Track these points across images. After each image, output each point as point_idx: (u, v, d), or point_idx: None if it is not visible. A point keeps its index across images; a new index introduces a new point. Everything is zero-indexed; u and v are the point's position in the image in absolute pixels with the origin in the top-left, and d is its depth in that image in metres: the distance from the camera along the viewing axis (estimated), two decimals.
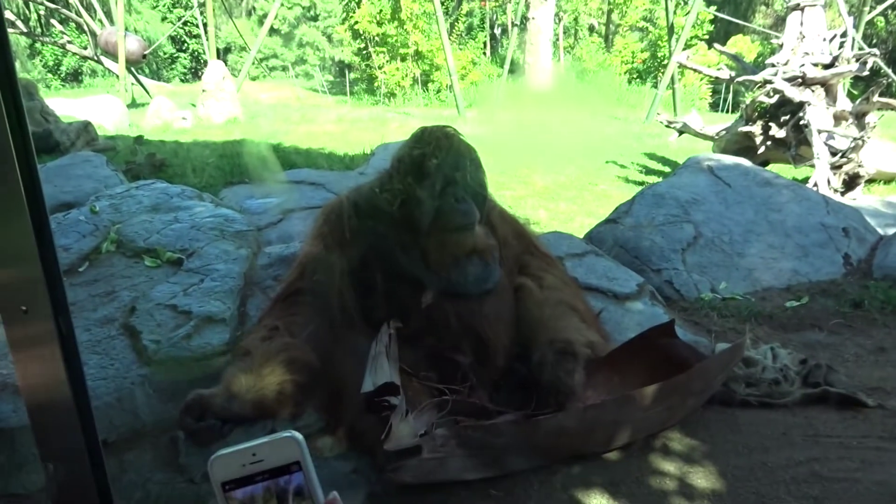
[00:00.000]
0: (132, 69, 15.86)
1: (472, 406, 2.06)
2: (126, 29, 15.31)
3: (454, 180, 2.15)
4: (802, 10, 7.26)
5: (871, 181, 6.88)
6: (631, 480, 1.95)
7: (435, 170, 2.13)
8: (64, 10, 17.33)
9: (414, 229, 2.17)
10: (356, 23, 20.29)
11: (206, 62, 14.80)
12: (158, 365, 2.27)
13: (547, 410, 2.02)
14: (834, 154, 6.39)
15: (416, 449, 1.81)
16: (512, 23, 18.53)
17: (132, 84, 15.84)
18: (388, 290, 2.21)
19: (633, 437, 2.09)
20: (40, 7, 19.32)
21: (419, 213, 2.14)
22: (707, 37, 19.99)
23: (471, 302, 2.22)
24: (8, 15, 16.71)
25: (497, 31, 25.97)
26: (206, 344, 2.36)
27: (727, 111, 17.77)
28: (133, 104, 14.29)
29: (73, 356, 1.21)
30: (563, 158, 8.15)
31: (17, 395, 1.98)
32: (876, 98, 6.58)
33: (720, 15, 18.15)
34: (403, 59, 19.70)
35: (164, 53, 32.46)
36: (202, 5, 16.22)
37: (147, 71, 24.31)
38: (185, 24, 29.11)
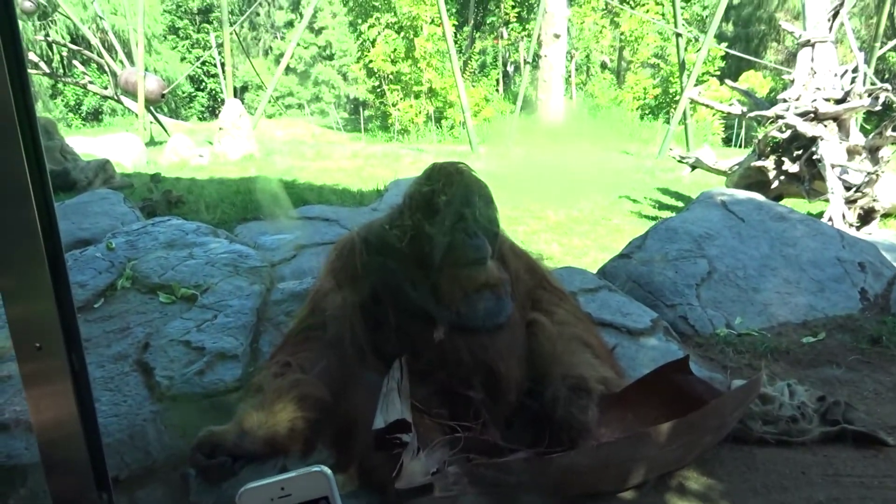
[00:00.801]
0: (151, 108, 16.20)
1: (484, 443, 2.04)
2: (146, 69, 15.68)
3: (464, 216, 2.16)
4: (813, 45, 7.31)
5: (886, 215, 6.83)
6: None
7: (445, 206, 2.14)
8: (86, 52, 17.77)
9: (424, 265, 2.17)
10: (371, 61, 20.64)
11: (223, 101, 15.07)
12: (171, 401, 2.27)
13: (560, 448, 1.99)
14: (848, 188, 6.37)
15: (427, 487, 1.79)
16: (524, 60, 18.76)
17: (151, 122, 16.15)
18: (400, 325, 2.20)
19: (647, 476, 2.06)
20: (63, 49, 19.84)
21: (429, 249, 2.15)
22: (718, 73, 20.14)
23: (482, 337, 2.21)
24: (32, 57, 17.17)
25: (510, 69, 26.28)
26: (218, 380, 2.37)
27: (740, 146, 17.80)
28: (151, 142, 14.55)
29: (85, 393, 1.22)
30: (576, 193, 8.17)
31: (30, 432, 1.99)
32: (889, 132, 6.57)
33: (731, 51, 18.27)
34: (417, 97, 19.97)
35: (183, 92, 33.14)
36: (220, 46, 16.56)
37: (166, 109, 24.82)
38: (203, 63, 29.75)
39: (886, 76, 23.88)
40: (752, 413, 2.43)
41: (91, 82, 17.68)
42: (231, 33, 14.14)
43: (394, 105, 20.26)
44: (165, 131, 16.37)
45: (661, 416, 2.09)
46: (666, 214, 6.88)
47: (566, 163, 11.02)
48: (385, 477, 1.80)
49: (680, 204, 7.93)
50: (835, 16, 7.43)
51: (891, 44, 15.63)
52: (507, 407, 2.22)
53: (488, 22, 26.26)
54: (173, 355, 2.47)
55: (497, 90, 23.95)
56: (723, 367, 3.01)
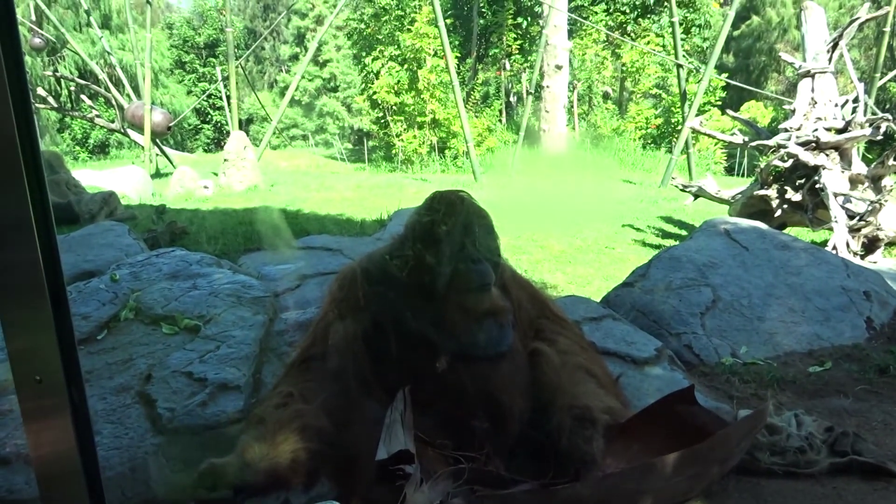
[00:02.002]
0: (157, 141, 16.36)
1: (488, 475, 2.02)
2: (152, 102, 15.86)
3: (465, 246, 2.16)
4: (813, 76, 7.37)
5: (890, 244, 6.81)
6: None
7: (445, 236, 2.15)
8: (94, 86, 18.00)
9: (426, 294, 2.17)
10: (375, 93, 20.84)
11: (228, 133, 15.21)
12: (172, 434, 2.26)
13: (564, 479, 1.97)
14: (852, 217, 6.37)
15: None
16: (527, 91, 18.94)
17: (157, 155, 16.31)
18: (402, 355, 2.20)
19: None
20: (71, 84, 20.10)
21: (430, 278, 2.15)
22: (720, 103, 20.28)
23: (485, 365, 2.20)
24: (40, 91, 17.39)
25: (512, 100, 26.51)
26: (220, 412, 2.35)
27: (742, 175, 17.87)
28: (157, 174, 14.68)
29: (84, 427, 1.21)
30: (579, 222, 8.18)
31: (30, 467, 1.98)
32: (891, 162, 6.58)
33: (732, 82, 18.42)
34: (420, 127, 20.12)
35: (189, 125, 33.51)
36: (226, 79, 16.77)
37: (171, 142, 25.06)
38: (209, 96, 30.10)
39: (887, 106, 24.04)
40: (759, 444, 2.41)
41: (98, 116, 17.86)
42: (237, 67, 14.32)
43: (397, 136, 20.41)
44: (171, 163, 16.51)
45: (667, 447, 2.06)
46: (669, 243, 6.88)
47: (569, 192, 11.05)
48: None
49: (683, 233, 7.93)
50: (834, 47, 7.50)
51: (891, 74, 15.73)
52: (511, 437, 2.20)
53: (491, 54, 26.56)
54: (175, 387, 2.46)
55: (500, 121, 24.14)
56: (728, 397, 2.98)
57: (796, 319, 3.77)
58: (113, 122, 17.71)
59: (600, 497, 1.96)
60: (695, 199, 8.59)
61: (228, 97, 16.30)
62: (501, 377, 2.21)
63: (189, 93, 33.68)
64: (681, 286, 3.92)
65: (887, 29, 14.38)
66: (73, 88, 20.47)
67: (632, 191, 11.71)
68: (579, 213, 8.86)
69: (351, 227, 6.94)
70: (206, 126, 34.89)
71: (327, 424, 2.07)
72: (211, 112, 34.29)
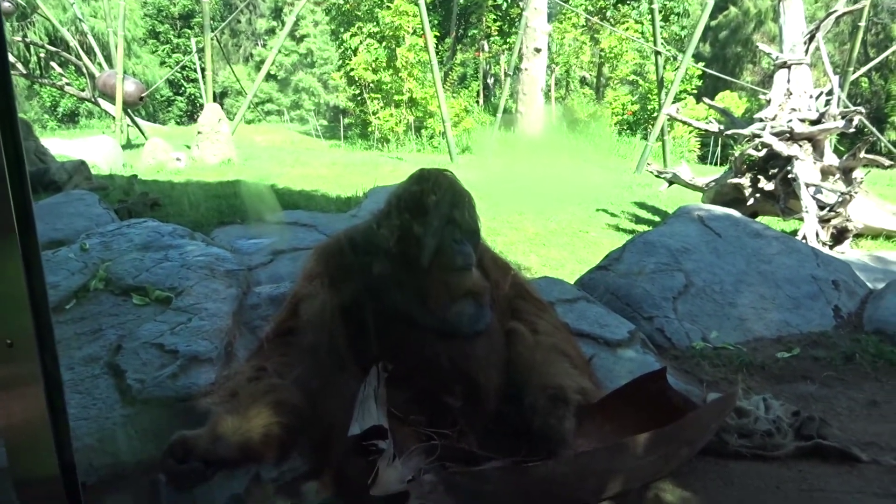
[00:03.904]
0: (129, 111, 16.00)
1: (461, 451, 2.02)
2: (125, 72, 15.49)
3: (453, 219, 2.16)
4: (789, 67, 7.44)
5: (858, 236, 6.94)
6: None
7: (434, 206, 2.14)
8: (64, 54, 17.54)
9: (410, 266, 2.16)
10: (352, 70, 20.60)
11: (202, 105, 14.94)
12: (142, 405, 2.22)
13: (537, 457, 1.98)
14: (822, 208, 6.47)
15: (403, 495, 1.76)
16: (505, 73, 18.88)
17: (128, 125, 15.96)
18: (379, 330, 2.19)
19: (625, 487, 2.05)
20: (41, 50, 19.57)
21: (416, 249, 2.14)
22: (696, 91, 20.43)
23: (462, 344, 2.20)
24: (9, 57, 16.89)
25: (490, 81, 26.42)
26: (191, 384, 2.32)
27: (715, 164, 18.04)
28: (128, 145, 14.38)
29: (56, 393, 1.18)
30: (554, 206, 8.20)
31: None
32: (862, 154, 6.69)
33: (709, 71, 18.54)
34: (398, 106, 19.96)
35: (161, 96, 32.87)
36: (201, 51, 16.44)
37: (143, 113, 24.54)
38: (183, 68, 29.52)
39: (858, 101, 24.42)
40: (727, 426, 2.44)
41: (68, 84, 17.44)
42: (212, 39, 14.04)
43: (374, 114, 20.23)
44: (143, 134, 16.18)
45: (639, 428, 2.08)
46: (643, 228, 6.93)
47: (544, 176, 11.07)
48: (360, 484, 1.77)
49: (657, 219, 8.00)
50: (811, 39, 7.57)
51: (864, 69, 15.99)
52: (485, 415, 2.21)
53: (470, 34, 26.39)
54: (146, 358, 2.42)
55: (477, 102, 24.05)
56: (699, 380, 3.02)
57: (766, 306, 3.82)
58: (83, 90, 17.30)
59: (572, 475, 1.97)
60: (669, 185, 8.65)
61: (203, 69, 16.01)
62: (477, 356, 2.22)
63: (162, 64, 32.98)
64: (654, 271, 3.95)
65: (862, 24, 14.58)
66: (42, 55, 19.97)
67: (607, 176, 11.77)
68: (554, 196, 8.87)
69: (326, 203, 6.88)
70: (179, 98, 34.26)
71: (301, 399, 2.05)
72: (184, 84, 33.67)
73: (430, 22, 13.95)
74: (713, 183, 7.87)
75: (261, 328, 2.73)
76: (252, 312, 2.93)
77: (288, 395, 2.03)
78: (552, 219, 7.50)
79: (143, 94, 16.01)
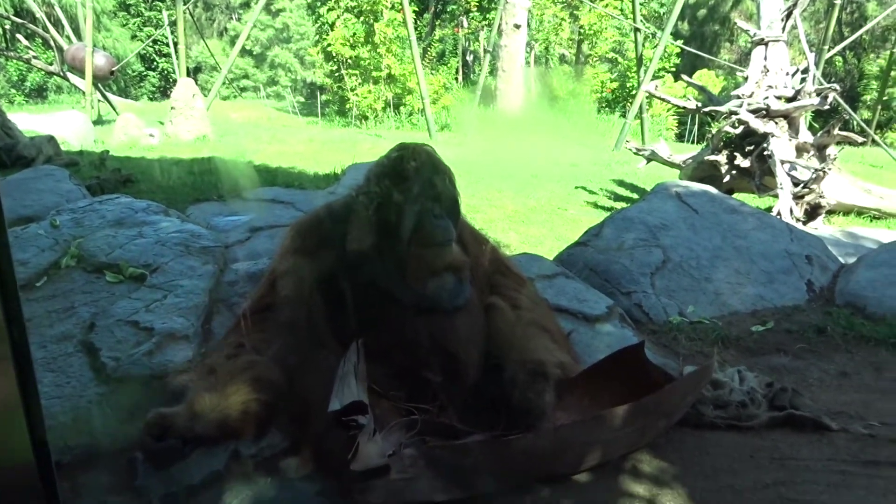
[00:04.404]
0: (99, 86, 15.67)
1: (441, 426, 2.03)
2: (94, 46, 15.13)
3: (433, 189, 2.14)
4: (767, 44, 7.46)
5: (831, 212, 7.03)
6: (601, 503, 1.93)
7: (414, 174, 2.12)
8: (31, 26, 17.10)
9: (389, 240, 2.15)
10: (329, 45, 20.33)
11: (174, 81, 14.67)
12: (117, 383, 2.19)
13: (517, 431, 2.00)
14: (796, 184, 6.53)
15: (383, 469, 1.77)
16: (484, 49, 18.75)
17: (99, 101, 15.63)
18: (359, 304, 2.18)
19: (603, 459, 2.08)
20: (6, 22, 19.04)
21: (395, 219, 2.12)
22: (674, 69, 20.47)
23: (441, 319, 2.20)
24: None
25: (469, 58, 26.25)
26: (168, 361, 2.30)
27: (693, 142, 18.15)
28: (99, 121, 14.10)
29: (27, 371, 1.16)
30: (532, 183, 8.20)
31: None
32: (836, 131, 6.76)
33: (687, 48, 18.57)
34: (376, 83, 19.78)
35: (133, 71, 32.19)
36: (173, 24, 16.08)
37: (115, 88, 24.06)
38: (154, 42, 28.90)
39: (832, 79, 24.64)
40: (703, 398, 2.48)
41: (35, 57, 17.02)
42: (184, 12, 13.76)
43: (352, 90, 20.02)
44: (114, 110, 15.86)
45: (617, 401, 2.10)
46: (621, 206, 6.95)
47: (523, 153, 11.05)
48: (340, 459, 1.77)
49: (635, 196, 8.03)
50: (788, 16, 7.60)
51: (838, 47, 16.11)
52: (465, 390, 2.22)
53: (449, 10, 26.17)
54: (120, 336, 2.39)
55: (456, 79, 23.90)
56: (675, 354, 3.06)
57: (742, 281, 3.87)
58: (51, 64, 16.91)
59: (551, 448, 1.99)
60: (647, 163, 8.68)
61: (175, 43, 15.71)
62: (457, 330, 2.22)
63: (133, 37, 32.24)
64: (632, 246, 3.97)
65: (837, 2, 14.66)
66: (7, 27, 19.39)
67: (586, 153, 11.77)
68: (533, 173, 8.87)
69: (303, 180, 6.81)
70: (151, 73, 33.58)
71: (279, 375, 2.04)
72: (157, 59, 32.98)
73: None
74: (690, 160, 7.91)
75: (238, 305, 2.70)
76: (229, 289, 2.89)
77: (266, 371, 2.03)
78: (531, 196, 7.50)
79: (113, 69, 15.69)
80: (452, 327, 2.21)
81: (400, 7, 15.01)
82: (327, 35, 20.68)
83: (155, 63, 33.22)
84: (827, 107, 7.06)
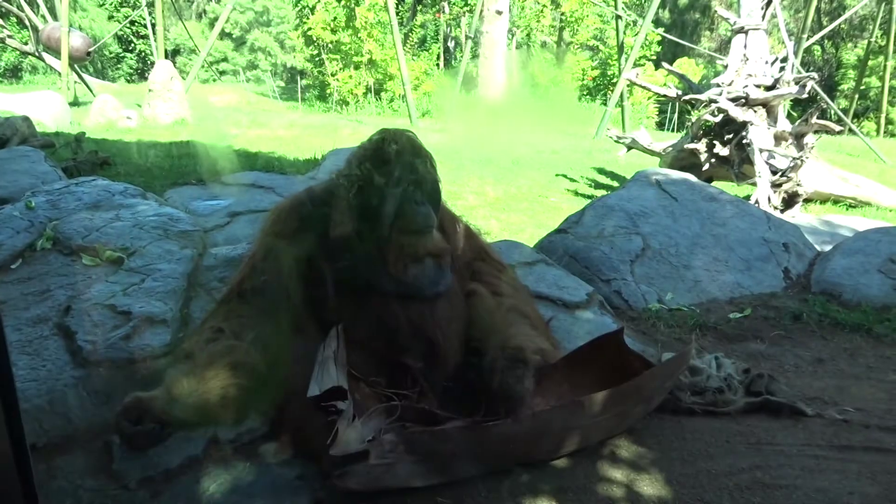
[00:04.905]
0: (76, 66, 15.38)
1: (420, 412, 2.03)
2: (70, 26, 14.83)
3: (415, 171, 2.13)
4: (746, 33, 7.51)
5: (808, 200, 7.12)
6: (579, 487, 1.94)
7: (395, 158, 2.11)
8: (5, 4, 16.74)
9: (370, 226, 2.14)
10: (309, 29, 20.14)
11: (152, 63, 14.44)
12: (94, 366, 2.17)
13: (496, 417, 2.00)
14: (774, 173, 6.60)
15: (362, 454, 1.76)
16: (466, 35, 18.67)
17: (75, 82, 15.35)
18: (339, 290, 2.16)
19: (581, 444, 2.09)
20: None
21: (376, 202, 2.11)
22: (655, 57, 20.54)
23: (422, 305, 2.19)
24: None
25: (451, 44, 26.12)
26: (145, 345, 2.27)
27: (673, 130, 18.26)
28: (75, 102, 13.84)
29: (1, 355, 1.13)
30: (514, 170, 8.21)
31: None
32: (814, 120, 6.83)
33: (668, 36, 18.63)
34: (357, 68, 19.64)
35: (110, 52, 31.65)
36: (151, 5, 15.85)
37: (91, 70, 23.65)
38: (132, 23, 28.41)
39: (811, 68, 24.86)
40: (681, 384, 2.51)
41: (10, 37, 16.67)
42: None
43: (333, 75, 19.88)
44: (91, 91, 15.58)
45: (595, 387, 2.12)
46: (601, 193, 6.97)
47: (505, 140, 11.05)
48: (319, 444, 1.77)
49: (615, 184, 8.07)
50: (767, 5, 7.65)
51: (817, 36, 16.26)
52: (445, 376, 2.22)
53: None
54: (97, 319, 2.35)
55: (438, 65, 23.80)
56: (654, 341, 3.08)
57: (720, 268, 3.91)
58: (26, 44, 16.58)
59: (530, 433, 2.00)
60: (628, 150, 8.73)
61: (153, 24, 15.47)
62: (438, 317, 2.21)
63: (111, 18, 31.66)
64: (612, 234, 3.99)
65: None
66: None
67: (567, 141, 11.80)
68: (514, 160, 8.88)
69: (284, 165, 6.75)
70: (128, 55, 33.02)
71: (259, 360, 2.03)
72: (134, 40, 32.43)
73: None
74: (670, 148, 7.96)
75: (217, 289, 2.67)
76: (208, 274, 2.86)
77: (246, 356, 2.01)
78: (512, 183, 7.51)
79: (90, 49, 15.39)
80: (433, 313, 2.21)
81: None
82: (307, 19, 20.49)
83: (132, 45, 32.68)
84: (805, 96, 7.13)
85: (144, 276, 2.65)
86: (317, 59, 20.89)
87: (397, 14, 16.17)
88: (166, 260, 2.78)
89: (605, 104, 15.15)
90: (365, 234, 2.16)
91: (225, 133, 9.80)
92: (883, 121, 18.93)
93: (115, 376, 2.16)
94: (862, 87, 21.54)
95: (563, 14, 23.52)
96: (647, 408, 2.32)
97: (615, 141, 8.93)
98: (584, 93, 21.18)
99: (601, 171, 8.94)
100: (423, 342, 2.18)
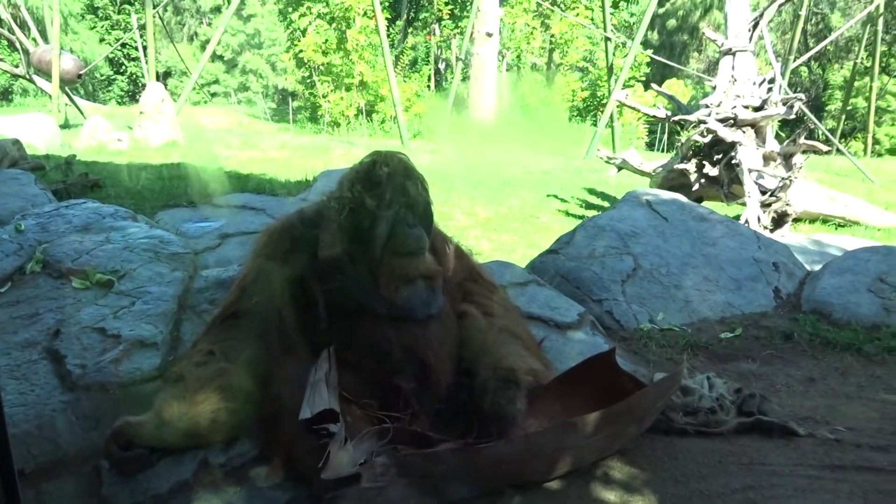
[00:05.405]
0: (66, 89, 15.39)
1: (412, 434, 2.02)
2: (61, 48, 14.86)
3: (405, 196, 2.13)
4: (734, 54, 7.61)
5: (797, 220, 7.18)
6: None
7: (386, 180, 2.11)
8: None
9: (362, 248, 2.14)
10: (301, 51, 20.28)
11: (144, 85, 14.48)
12: (83, 391, 2.15)
13: (488, 438, 2.00)
14: (764, 192, 6.65)
15: (355, 478, 1.75)
16: (457, 57, 18.84)
17: (66, 104, 15.35)
18: (331, 312, 2.16)
19: (574, 466, 2.08)
20: None
21: (368, 224, 2.11)
22: (644, 78, 20.76)
23: (414, 327, 2.19)
24: None
25: (441, 66, 26.33)
26: (135, 369, 2.26)
27: (662, 150, 18.42)
28: (66, 125, 13.83)
29: None
30: (505, 191, 8.25)
31: None
32: (802, 140, 6.90)
33: (657, 58, 18.86)
34: (348, 89, 19.75)
35: (101, 75, 31.73)
36: (142, 28, 15.90)
37: (82, 92, 23.66)
38: (123, 46, 28.52)
39: (798, 89, 25.19)
40: (673, 405, 2.50)
41: (1, 59, 16.70)
42: (154, 15, 13.62)
43: (324, 97, 19.98)
44: (81, 114, 15.56)
45: (588, 407, 2.11)
46: (592, 213, 7.02)
47: (496, 161, 11.10)
48: (311, 467, 1.75)
49: (606, 204, 8.11)
50: (755, 27, 7.76)
51: (804, 58, 16.51)
52: (437, 397, 2.21)
53: (421, 18, 26.23)
54: (87, 343, 2.34)
55: (429, 86, 23.97)
56: (646, 361, 3.09)
57: (711, 288, 3.92)
58: (17, 66, 16.58)
59: (522, 455, 1.99)
60: (618, 171, 8.79)
61: (145, 47, 15.52)
62: (430, 339, 2.21)
63: (102, 41, 31.78)
64: (604, 254, 4.00)
65: (803, 13, 15.02)
66: None
67: (557, 161, 11.86)
68: (505, 181, 8.92)
69: (275, 186, 6.76)
70: (119, 77, 33.11)
71: (250, 383, 2.02)
72: (125, 63, 32.54)
73: (381, 4, 13.80)
74: (660, 168, 8.02)
75: (208, 312, 2.67)
76: (199, 296, 2.85)
77: (236, 378, 2.01)
78: (504, 203, 7.54)
79: (81, 72, 15.40)
80: (425, 335, 2.20)
81: (372, 14, 15.02)
82: (299, 41, 20.63)
83: (124, 67, 32.78)
84: (793, 116, 7.22)
85: (134, 298, 2.64)
86: (308, 80, 21.01)
87: (388, 36, 16.30)
88: (157, 282, 2.77)
89: (595, 125, 15.28)
90: (356, 255, 2.16)
91: (216, 155, 9.80)
92: (870, 140, 19.16)
93: (105, 400, 2.14)
94: (849, 108, 21.81)
95: (552, 36, 23.77)
96: (639, 428, 2.31)
97: (605, 161, 8.99)
98: (574, 114, 21.37)
99: (592, 191, 8.99)
100: (416, 364, 2.18)
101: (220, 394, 1.93)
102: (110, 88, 33.00)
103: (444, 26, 24.74)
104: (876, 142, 21.12)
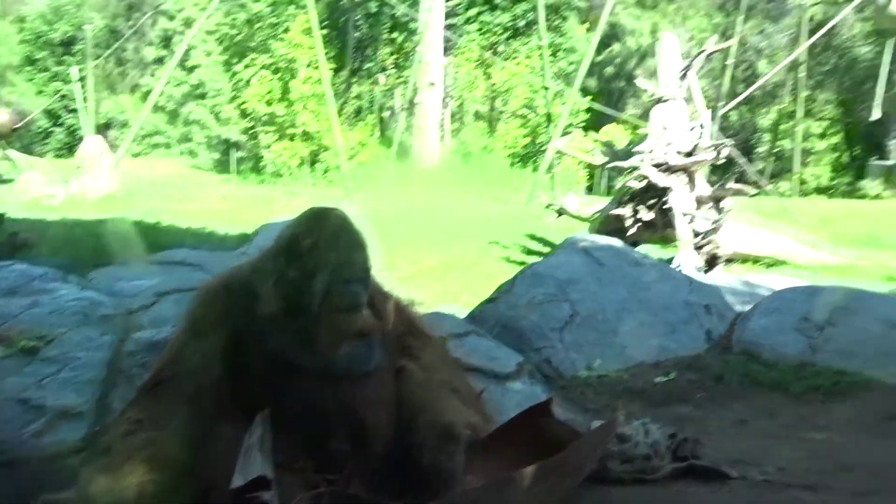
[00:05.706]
0: (1, 142, 14.99)
1: (348, 497, 2.00)
2: None
3: (341, 261, 2.13)
4: (665, 102, 7.93)
5: (730, 260, 7.43)
6: None
7: (309, 249, 2.11)
8: None
9: (296, 308, 2.13)
10: (244, 102, 20.25)
11: (82, 138, 14.20)
12: (3, 467, 2.06)
13: (426, 496, 1.99)
14: (696, 235, 6.88)
15: None
16: (401, 106, 19.11)
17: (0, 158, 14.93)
18: (266, 373, 2.14)
19: None
20: None
21: (294, 294, 2.10)
22: (583, 124, 21.35)
23: (352, 385, 2.18)
24: None
25: (386, 115, 26.60)
26: (60, 441, 2.19)
27: (604, 193, 18.86)
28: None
29: None
30: (448, 239, 8.31)
31: None
32: (730, 185, 7.20)
33: (594, 105, 19.46)
34: (292, 139, 19.74)
35: (39, 128, 30.96)
36: (83, 80, 15.67)
37: (17, 145, 23.04)
38: (62, 97, 27.96)
39: (729, 132, 26.24)
40: (610, 452, 2.53)
41: None
42: (95, 67, 13.46)
43: (267, 147, 19.91)
44: (16, 168, 15.16)
45: (526, 460, 2.12)
46: (533, 259, 7.11)
47: (439, 209, 11.22)
48: None
49: (546, 249, 8.23)
50: (685, 75, 8.12)
51: (732, 103, 17.29)
52: (374, 457, 2.19)
53: (365, 67, 26.53)
54: (8, 416, 2.26)
55: (373, 135, 24.14)
56: (584, 409, 3.13)
57: (646, 332, 4.01)
58: None
59: None
60: (558, 216, 8.96)
61: (85, 99, 15.28)
62: (367, 397, 2.19)
63: (40, 92, 31.05)
64: (542, 301, 4.07)
65: (731, 61, 15.77)
66: None
67: (499, 208, 12.04)
68: (449, 229, 9.00)
69: (214, 240, 6.68)
70: (57, 129, 32.36)
71: (181, 452, 1.97)
72: (64, 115, 31.83)
73: (325, 54, 13.95)
74: (598, 213, 8.22)
75: (139, 376, 2.60)
76: (130, 360, 2.79)
77: (166, 448, 1.95)
78: (447, 252, 7.59)
79: (16, 125, 15.05)
80: (362, 394, 2.19)
81: (317, 65, 15.16)
82: (243, 92, 20.61)
83: (62, 119, 32.07)
84: (722, 160, 7.53)
85: (61, 365, 2.57)
86: (251, 131, 20.96)
87: (333, 86, 16.43)
88: (85, 347, 2.70)
89: (536, 171, 15.60)
90: (292, 313, 2.15)
91: (155, 208, 9.64)
92: (796, 181, 20.02)
93: (27, 476, 2.06)
94: (777, 150, 22.80)
95: (493, 84, 24.32)
96: (576, 479, 2.32)
97: (545, 208, 9.17)
98: (516, 160, 21.74)
99: (533, 237, 9.12)
100: (353, 424, 2.16)
101: (148, 465, 1.87)
102: (47, 141, 32.19)
103: (389, 76, 25.08)
104: (802, 182, 22.04)
